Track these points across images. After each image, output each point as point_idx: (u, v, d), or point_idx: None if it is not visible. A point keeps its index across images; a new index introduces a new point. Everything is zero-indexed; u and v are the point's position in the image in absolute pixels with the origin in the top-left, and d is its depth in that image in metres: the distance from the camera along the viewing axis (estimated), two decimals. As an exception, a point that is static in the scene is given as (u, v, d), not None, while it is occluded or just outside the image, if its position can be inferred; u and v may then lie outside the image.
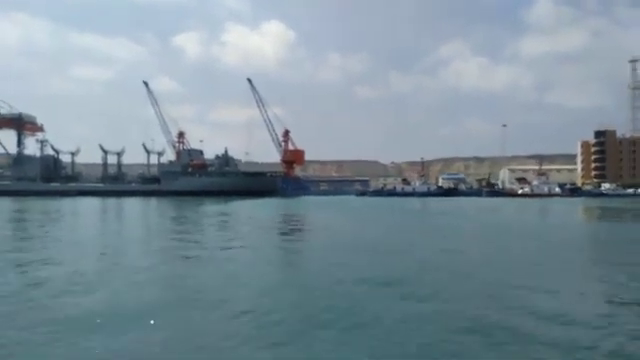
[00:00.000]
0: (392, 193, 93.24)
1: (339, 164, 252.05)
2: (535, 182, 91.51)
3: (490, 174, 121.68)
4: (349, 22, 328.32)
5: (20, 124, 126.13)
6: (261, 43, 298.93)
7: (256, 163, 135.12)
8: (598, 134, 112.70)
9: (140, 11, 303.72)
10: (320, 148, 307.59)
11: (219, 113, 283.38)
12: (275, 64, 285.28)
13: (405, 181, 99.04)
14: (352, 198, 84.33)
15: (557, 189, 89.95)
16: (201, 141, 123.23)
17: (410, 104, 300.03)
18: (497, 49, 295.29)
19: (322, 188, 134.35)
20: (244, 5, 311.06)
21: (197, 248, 15.84)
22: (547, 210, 45.64)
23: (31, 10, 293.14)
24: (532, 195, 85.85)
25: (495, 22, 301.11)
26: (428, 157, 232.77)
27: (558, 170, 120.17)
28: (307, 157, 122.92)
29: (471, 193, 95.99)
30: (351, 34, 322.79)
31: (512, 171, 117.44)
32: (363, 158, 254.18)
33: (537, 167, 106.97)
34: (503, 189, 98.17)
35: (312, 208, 43.28)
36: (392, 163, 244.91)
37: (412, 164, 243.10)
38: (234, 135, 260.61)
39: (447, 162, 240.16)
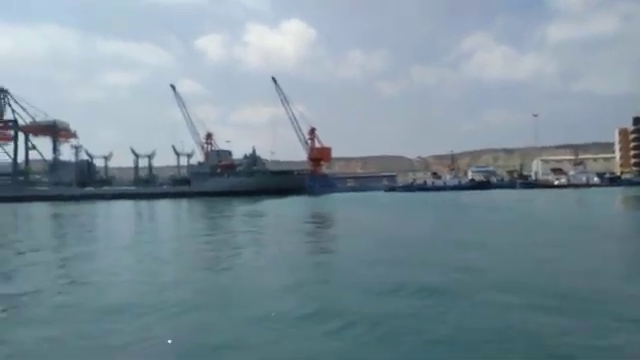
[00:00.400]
0: (422, 188, 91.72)
1: (364, 160, 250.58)
2: (572, 172, 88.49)
3: (522, 165, 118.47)
4: (369, 18, 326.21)
5: (55, 131, 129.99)
6: (282, 42, 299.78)
7: (282, 162, 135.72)
8: (636, 120, 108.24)
9: (162, 16, 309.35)
10: (344, 145, 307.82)
11: (242, 114, 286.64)
12: (296, 63, 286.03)
13: (435, 175, 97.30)
14: (382, 194, 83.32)
15: (595, 179, 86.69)
16: (228, 142, 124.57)
17: (434, 98, 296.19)
18: (522, 37, 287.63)
19: (349, 185, 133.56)
20: (264, 5, 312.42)
21: (249, 253, 15.43)
22: (592, 201, 43.79)
23: (59, 20, 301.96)
24: (569, 186, 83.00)
25: (519, 10, 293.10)
26: (455, 150, 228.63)
27: (594, 159, 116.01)
28: (332, 154, 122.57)
29: (504, 185, 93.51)
30: (371, 30, 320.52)
31: (545, 162, 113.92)
32: (388, 153, 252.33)
33: (572, 157, 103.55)
34: (537, 180, 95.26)
35: (345, 205, 42.26)
36: (418, 158, 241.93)
37: (439, 158, 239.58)
38: (257, 135, 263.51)
39: (475, 155, 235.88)
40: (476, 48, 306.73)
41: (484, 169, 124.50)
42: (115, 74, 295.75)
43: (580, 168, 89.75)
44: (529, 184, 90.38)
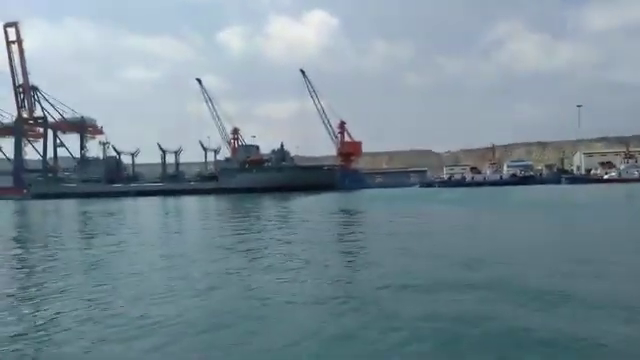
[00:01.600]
0: (461, 183, 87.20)
1: (390, 155, 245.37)
2: (622, 166, 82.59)
3: (562, 159, 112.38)
4: (394, 7, 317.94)
5: (83, 127, 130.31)
6: (305, 33, 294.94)
7: (308, 157, 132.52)
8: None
9: (184, 9, 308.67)
10: (369, 139, 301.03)
11: (264, 108, 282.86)
12: (319, 54, 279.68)
13: (475, 170, 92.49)
14: (421, 190, 79.12)
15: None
16: (253, 137, 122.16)
17: (463, 89, 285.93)
18: (556, 24, 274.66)
19: (377, 181, 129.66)
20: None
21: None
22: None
23: (79, 14, 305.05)
24: (620, 180, 77.29)
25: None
26: (486, 144, 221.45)
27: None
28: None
29: (547, 180, 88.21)
30: (397, 19, 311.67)
31: (589, 155, 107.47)
32: (415, 148, 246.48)
33: (619, 150, 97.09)
34: (586, 175, 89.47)
35: (403, 205, 36.77)
36: (448, 152, 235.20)
37: (469, 152, 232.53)
38: (281, 130, 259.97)
39: (507, 149, 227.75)
40: (507, 36, 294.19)
41: (521, 163, 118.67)
42: (137, 69, 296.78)
43: (631, 162, 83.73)
44: (576, 178, 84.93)
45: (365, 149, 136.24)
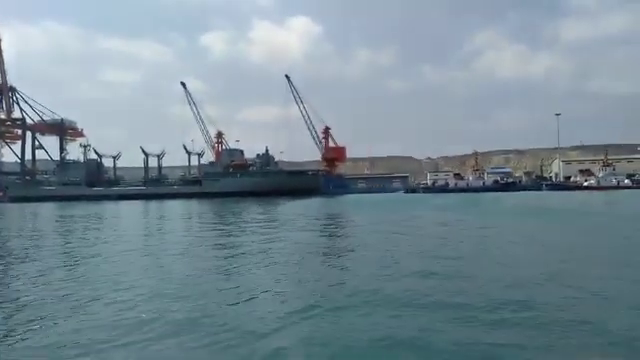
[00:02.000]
0: (444, 189, 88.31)
1: (371, 161, 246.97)
2: (601, 174, 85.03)
3: (542, 167, 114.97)
4: (377, 15, 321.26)
5: (62, 129, 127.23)
6: (287, 39, 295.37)
7: (290, 162, 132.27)
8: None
9: (166, 11, 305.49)
10: (351, 145, 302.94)
11: (247, 112, 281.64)
12: (302, 60, 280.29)
13: (458, 176, 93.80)
14: (406, 196, 79.78)
15: (627, 181, 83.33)
16: (237, 141, 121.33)
17: (443, 97, 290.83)
18: (534, 35, 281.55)
19: (359, 186, 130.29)
20: (269, 0, 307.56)
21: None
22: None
23: (59, 17, 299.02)
24: (599, 188, 79.54)
25: (530, 6, 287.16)
26: (465, 151, 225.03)
27: (618, 161, 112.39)
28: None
29: (528, 187, 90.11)
30: (379, 27, 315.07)
31: (567, 163, 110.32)
32: (396, 154, 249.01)
33: (598, 158, 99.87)
34: (565, 182, 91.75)
35: (393, 210, 36.81)
36: (428, 159, 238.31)
37: (449, 159, 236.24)
38: (263, 134, 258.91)
39: (485, 156, 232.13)
40: (487, 46, 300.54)
41: (501, 170, 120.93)
42: (117, 72, 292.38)
43: (609, 170, 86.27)
44: (556, 185, 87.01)
45: (347, 155, 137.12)
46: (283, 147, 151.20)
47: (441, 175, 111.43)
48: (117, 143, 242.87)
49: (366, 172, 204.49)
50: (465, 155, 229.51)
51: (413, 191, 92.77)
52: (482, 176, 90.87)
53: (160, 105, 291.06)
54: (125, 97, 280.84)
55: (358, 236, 19.19)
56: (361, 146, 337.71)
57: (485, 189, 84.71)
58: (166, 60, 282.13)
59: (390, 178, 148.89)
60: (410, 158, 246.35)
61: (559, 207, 35.49)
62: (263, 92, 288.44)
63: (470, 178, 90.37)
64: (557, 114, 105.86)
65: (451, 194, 76.54)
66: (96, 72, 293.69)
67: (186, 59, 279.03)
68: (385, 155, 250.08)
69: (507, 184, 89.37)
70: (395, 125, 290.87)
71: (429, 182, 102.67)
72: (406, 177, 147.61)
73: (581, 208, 34.38)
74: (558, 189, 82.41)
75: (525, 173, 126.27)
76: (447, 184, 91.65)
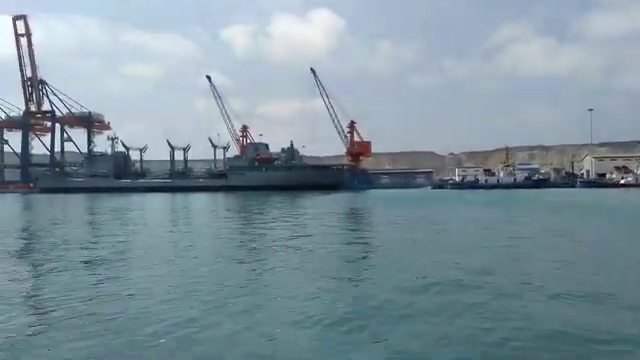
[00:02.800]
0: (473, 185, 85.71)
1: (392, 156, 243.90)
2: (639, 171, 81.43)
3: (573, 163, 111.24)
4: (401, 8, 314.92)
5: (90, 122, 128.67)
6: (310, 33, 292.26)
7: (313, 157, 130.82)
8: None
9: (189, 5, 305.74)
10: (372, 139, 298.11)
11: (267, 106, 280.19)
12: (325, 54, 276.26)
13: (488, 172, 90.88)
14: (435, 192, 77.59)
15: (666, 178, 79.69)
16: (261, 135, 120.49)
17: (466, 92, 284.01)
18: (561, 29, 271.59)
19: (383, 181, 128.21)
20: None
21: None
22: None
23: (84, 10, 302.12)
24: (638, 185, 76.08)
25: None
26: (488, 146, 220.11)
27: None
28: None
29: (562, 184, 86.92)
30: (403, 21, 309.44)
31: (600, 159, 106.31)
32: (417, 149, 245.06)
33: (630, 155, 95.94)
34: (599, 179, 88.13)
35: (435, 206, 35.08)
36: (450, 154, 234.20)
37: (472, 155, 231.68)
38: (284, 128, 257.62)
39: (509, 152, 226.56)
40: (512, 40, 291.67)
41: (528, 166, 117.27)
42: (140, 65, 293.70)
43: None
44: (591, 183, 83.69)
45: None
46: (304, 141, 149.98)
47: (470, 171, 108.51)
48: (139, 136, 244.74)
49: (387, 167, 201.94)
50: (488, 151, 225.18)
51: (440, 187, 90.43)
52: (513, 172, 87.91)
53: (182, 99, 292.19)
54: (148, 91, 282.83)
55: (432, 239, 17.55)
56: (382, 141, 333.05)
57: (516, 186, 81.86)
58: (187, 54, 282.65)
59: (413, 173, 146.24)
60: (432, 153, 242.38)
61: (621, 206, 33.16)
62: (284, 86, 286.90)
63: (501, 174, 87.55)
64: (590, 109, 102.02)
65: (482, 190, 74.17)
66: (120, 65, 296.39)
67: (207, 53, 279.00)
68: (406, 150, 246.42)
69: (539, 181, 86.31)
70: (417, 120, 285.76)
71: (457, 178, 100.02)
72: (430, 172, 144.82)
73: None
74: (593, 186, 79.16)
75: (554, 169, 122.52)
76: (477, 180, 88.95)
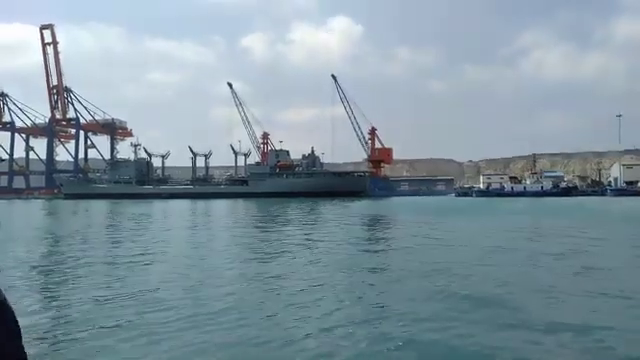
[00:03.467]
0: (500, 193, 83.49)
1: (410, 163, 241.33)
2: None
3: (600, 171, 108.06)
4: (420, 13, 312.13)
5: (113, 129, 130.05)
6: (328, 40, 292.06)
7: (332, 163, 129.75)
8: None
9: (208, 14, 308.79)
10: (389, 146, 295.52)
11: (285, 114, 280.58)
12: (342, 61, 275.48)
13: (515, 179, 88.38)
14: (463, 200, 75.70)
15: None
16: (281, 142, 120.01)
17: (486, 99, 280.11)
18: (584, 34, 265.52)
19: (402, 188, 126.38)
20: (310, 1, 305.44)
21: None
22: None
23: (104, 19, 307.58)
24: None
25: (582, 4, 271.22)
26: (507, 154, 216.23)
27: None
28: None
29: (591, 192, 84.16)
30: (422, 26, 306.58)
31: (629, 167, 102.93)
32: (436, 157, 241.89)
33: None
34: (631, 187, 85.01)
35: (471, 215, 32.89)
36: (469, 161, 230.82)
37: (491, 162, 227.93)
38: (302, 135, 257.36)
39: (530, 159, 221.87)
40: (533, 45, 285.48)
41: (554, 174, 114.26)
42: (162, 73, 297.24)
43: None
44: (623, 191, 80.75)
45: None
46: (323, 148, 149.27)
47: (494, 178, 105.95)
48: (156, 143, 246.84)
49: (405, 174, 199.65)
50: (508, 158, 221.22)
51: (465, 194, 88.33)
52: (540, 180, 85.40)
53: (201, 106, 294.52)
54: (167, 98, 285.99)
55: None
56: (400, 148, 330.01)
57: (544, 194, 79.49)
58: (207, 61, 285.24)
59: (434, 181, 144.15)
60: (450, 161, 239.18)
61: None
62: (302, 94, 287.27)
63: (527, 182, 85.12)
64: (618, 115, 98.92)
65: (510, 198, 72.03)
66: (141, 73, 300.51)
67: (227, 60, 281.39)
68: (425, 157, 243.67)
69: (568, 189, 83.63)
70: (435, 127, 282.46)
71: (481, 185, 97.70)
72: (451, 180, 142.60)
73: None
74: (625, 194, 76.30)
75: (580, 177, 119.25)
76: (503, 188, 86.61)
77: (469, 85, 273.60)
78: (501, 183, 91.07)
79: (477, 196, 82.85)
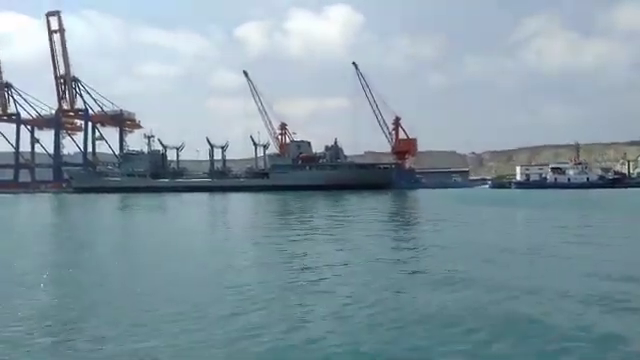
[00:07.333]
0: (542, 185, 76.89)
1: (415, 156, 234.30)
2: None
3: (629, 162, 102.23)
4: (420, 2, 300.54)
5: (121, 121, 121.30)
6: (327, 29, 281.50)
7: (352, 155, 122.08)
8: None
9: (204, 3, 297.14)
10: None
11: (287, 104, 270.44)
12: (342, 50, 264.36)
13: (558, 170, 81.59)
14: (505, 192, 68.76)
15: None
16: (294, 133, 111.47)
17: (488, 89, 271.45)
18: (587, 23, 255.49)
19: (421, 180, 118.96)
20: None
21: None
22: None
23: (100, 7, 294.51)
24: None
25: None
26: (511, 146, 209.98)
27: None
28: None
29: (636, 184, 77.92)
30: (423, 15, 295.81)
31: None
32: (438, 149, 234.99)
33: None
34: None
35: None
36: (472, 153, 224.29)
37: (494, 154, 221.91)
38: (315, 126, 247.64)
39: (534, 151, 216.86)
40: (536, 34, 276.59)
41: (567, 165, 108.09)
42: (157, 64, 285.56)
43: None
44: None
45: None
46: (326, 140, 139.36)
47: (534, 169, 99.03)
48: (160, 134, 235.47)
49: (412, 166, 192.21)
50: (512, 149, 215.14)
51: (501, 186, 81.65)
52: (585, 170, 78.93)
53: (200, 97, 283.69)
54: (164, 89, 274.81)
55: None
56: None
57: (590, 185, 73.08)
58: (204, 51, 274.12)
59: (449, 172, 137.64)
60: (453, 153, 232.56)
61: None
62: (302, 84, 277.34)
63: (571, 173, 78.66)
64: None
65: (553, 190, 65.42)
66: (138, 65, 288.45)
67: (224, 50, 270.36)
68: (426, 149, 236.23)
69: (615, 180, 77.34)
70: (437, 118, 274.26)
71: (519, 177, 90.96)
72: (466, 172, 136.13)
73: None
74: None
75: (602, 169, 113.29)
76: (545, 179, 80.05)
77: (471, 76, 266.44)
78: (541, 174, 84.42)
79: (517, 188, 76.18)
